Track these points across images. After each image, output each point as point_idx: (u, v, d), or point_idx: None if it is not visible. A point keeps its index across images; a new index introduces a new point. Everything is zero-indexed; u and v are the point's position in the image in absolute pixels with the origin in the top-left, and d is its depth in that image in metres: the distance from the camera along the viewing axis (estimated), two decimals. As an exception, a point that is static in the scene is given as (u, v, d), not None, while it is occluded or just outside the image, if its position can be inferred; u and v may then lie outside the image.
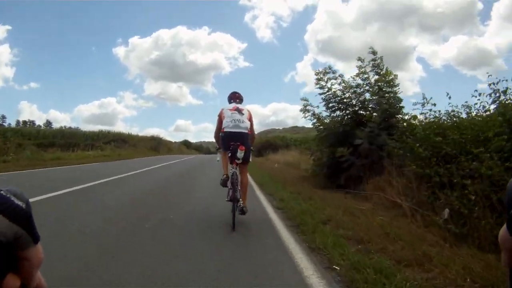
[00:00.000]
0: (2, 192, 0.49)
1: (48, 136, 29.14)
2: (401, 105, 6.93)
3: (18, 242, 0.50)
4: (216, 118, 3.94)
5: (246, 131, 3.69)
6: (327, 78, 7.61)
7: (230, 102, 4.00)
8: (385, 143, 6.19)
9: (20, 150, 14.10)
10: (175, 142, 49.16)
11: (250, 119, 3.82)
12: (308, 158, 9.47)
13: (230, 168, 3.64)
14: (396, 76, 7.11)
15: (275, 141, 24.88)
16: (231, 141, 3.60)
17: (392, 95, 6.98)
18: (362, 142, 6.21)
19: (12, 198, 0.48)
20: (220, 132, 3.81)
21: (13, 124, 41.96)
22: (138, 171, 9.98)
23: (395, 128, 6.63)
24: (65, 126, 39.76)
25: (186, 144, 59.04)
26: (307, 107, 7.89)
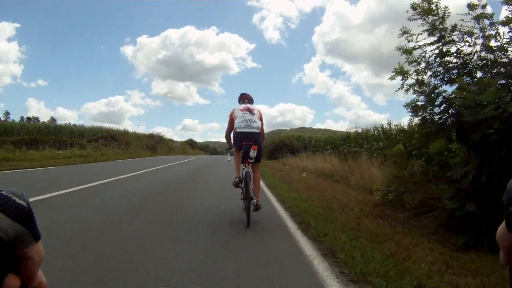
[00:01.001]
0: (3, 192, 0.48)
1: (31, 132, 27.61)
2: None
3: (20, 240, 0.48)
4: (227, 118, 4.01)
5: (258, 131, 3.75)
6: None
7: (240, 103, 4.05)
8: None
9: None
10: (176, 140, 45.58)
11: (261, 119, 3.87)
12: (381, 170, 5.62)
13: (242, 167, 3.70)
14: None
15: (291, 142, 20.87)
16: (243, 141, 3.68)
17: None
18: None
19: (14, 198, 0.47)
20: (231, 132, 3.96)
21: (17, 120, 40.01)
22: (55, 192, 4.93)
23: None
24: (69, 123, 38.44)
25: (190, 143, 56.02)
26: (409, 68, 3.83)
